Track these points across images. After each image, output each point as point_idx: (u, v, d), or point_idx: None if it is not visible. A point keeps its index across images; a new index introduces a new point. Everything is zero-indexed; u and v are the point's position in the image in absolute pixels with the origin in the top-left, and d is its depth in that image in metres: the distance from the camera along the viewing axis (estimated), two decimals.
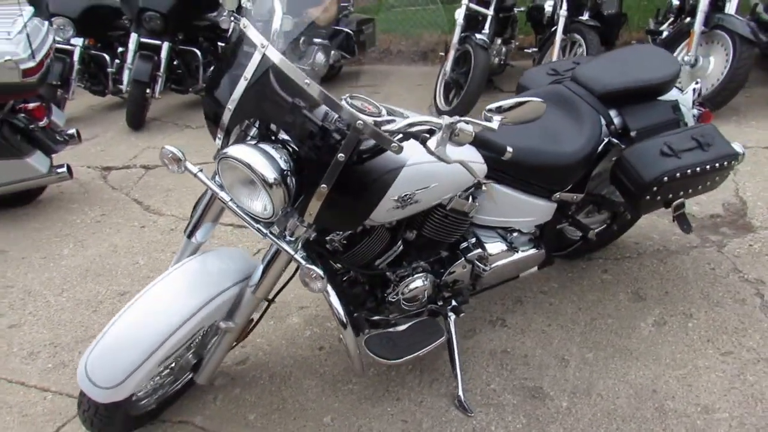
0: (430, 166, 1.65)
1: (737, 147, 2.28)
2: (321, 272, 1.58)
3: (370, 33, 6.09)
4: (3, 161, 3.36)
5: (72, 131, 3.83)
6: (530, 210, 2.09)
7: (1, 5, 3.67)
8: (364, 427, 1.90)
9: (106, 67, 5.51)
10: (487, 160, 1.95)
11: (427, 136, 1.53)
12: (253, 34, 1.57)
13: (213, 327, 1.83)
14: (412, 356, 1.91)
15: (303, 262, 1.58)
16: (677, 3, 4.41)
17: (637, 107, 2.09)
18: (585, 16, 4.24)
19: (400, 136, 1.56)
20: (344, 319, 1.70)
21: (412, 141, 1.49)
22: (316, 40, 5.53)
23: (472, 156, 1.87)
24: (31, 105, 3.58)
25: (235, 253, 1.84)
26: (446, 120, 1.47)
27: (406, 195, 1.66)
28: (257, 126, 1.61)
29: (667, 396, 1.90)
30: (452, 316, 2.07)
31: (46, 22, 3.70)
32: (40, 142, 3.56)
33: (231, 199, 1.60)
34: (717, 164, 2.00)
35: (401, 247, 1.95)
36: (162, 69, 5.19)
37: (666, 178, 1.93)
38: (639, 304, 2.32)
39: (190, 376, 1.99)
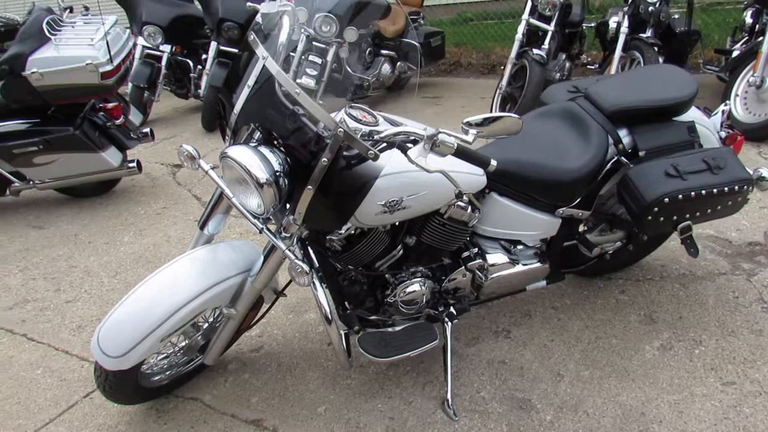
0: (419, 175, 1.73)
1: (765, 172, 2.21)
2: (307, 268, 1.71)
3: (439, 46, 6.19)
4: (81, 153, 3.74)
5: (146, 130, 4.19)
6: (533, 224, 2.12)
7: (89, 15, 4.08)
8: (352, 420, 2.00)
9: (190, 72, 5.95)
10: (489, 173, 2.01)
11: (410, 145, 1.63)
12: (257, 46, 1.72)
13: (221, 312, 2.00)
14: (400, 356, 2.00)
15: (292, 257, 1.72)
16: (750, 21, 4.21)
17: (649, 127, 2.08)
18: (647, 33, 4.14)
19: (384, 144, 1.67)
20: (329, 315, 1.82)
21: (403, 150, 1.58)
22: (384, 52, 5.71)
23: (471, 167, 1.94)
24: (110, 105, 3.96)
25: (246, 246, 2.01)
26: (428, 131, 1.56)
27: (393, 201, 1.75)
28: (260, 130, 1.76)
29: (654, 420, 1.87)
30: (449, 322, 2.14)
31: (128, 31, 4.07)
32: (115, 139, 3.93)
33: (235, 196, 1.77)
34: (726, 188, 1.95)
35: (401, 252, 2.04)
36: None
37: (667, 200, 1.91)
38: (649, 327, 2.28)
39: (201, 359, 2.17)
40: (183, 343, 2.07)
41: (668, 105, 2.06)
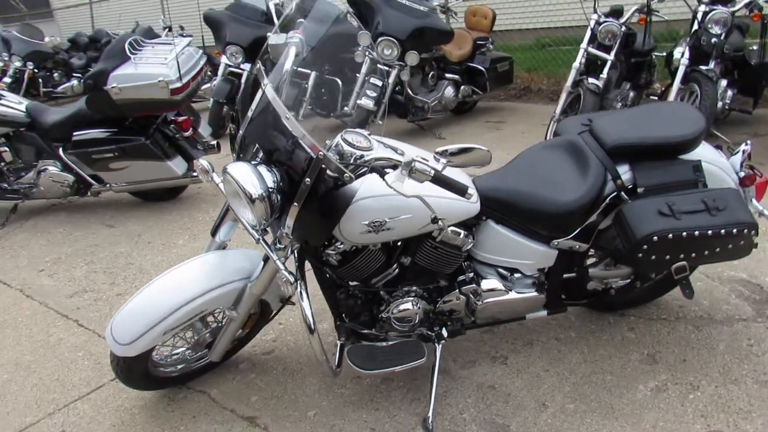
0: (401, 198, 1.83)
1: None
2: (292, 278, 1.85)
3: (506, 71, 6.22)
4: (150, 162, 4.12)
5: (213, 142, 4.55)
6: (529, 253, 2.16)
7: (167, 37, 4.49)
8: (336, 427, 2.12)
9: None
10: (485, 201, 2.09)
11: (389, 170, 1.74)
12: (261, 74, 1.90)
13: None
14: (385, 370, 2.10)
15: (280, 267, 1.87)
16: None
17: (651, 164, 2.07)
18: (710, 65, 4.00)
19: (365, 169, 1.80)
20: (311, 325, 1.95)
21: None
22: (448, 75, 5.83)
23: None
24: (181, 118, 4.33)
25: (254, 255, 2.19)
26: (406, 158, 1.67)
27: (377, 222, 1.87)
28: (262, 149, 1.94)
29: None
30: (439, 344, 2.21)
31: (200, 51, 4.44)
32: (182, 149, 4.30)
33: None
34: (723, 231, 1.91)
35: (397, 271, 2.14)
36: (307, 95, 5.81)
37: (656, 238, 1.90)
38: (648, 367, 2.24)
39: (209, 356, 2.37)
40: (192, 339, 2.26)
41: (671, 143, 2.05)
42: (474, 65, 5.93)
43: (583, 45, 4.51)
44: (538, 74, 6.94)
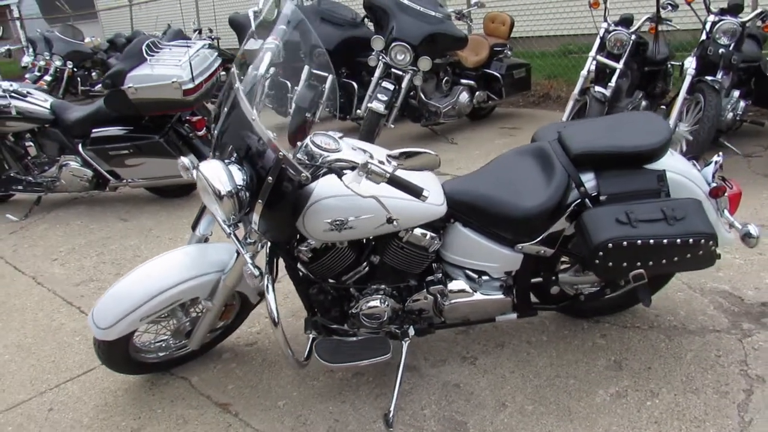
0: (361, 198, 1.90)
1: (753, 229, 2.15)
2: (257, 272, 1.95)
3: (523, 77, 6.24)
4: (163, 159, 4.29)
5: None
6: (494, 256, 2.22)
7: (197, 39, 4.66)
8: (302, 417, 2.21)
9: (353, 95, 6.43)
10: (452, 204, 2.16)
11: (346, 172, 1.82)
12: (234, 78, 2.01)
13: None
14: (349, 365, 2.19)
15: (247, 260, 1.98)
16: None
17: (615, 173, 2.10)
18: (717, 76, 3.95)
19: (325, 169, 1.89)
20: (275, 318, 2.04)
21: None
22: (463, 81, 5.87)
23: (435, 197, 2.10)
24: (195, 118, 4.50)
25: (232, 248, 2.29)
26: (362, 160, 1.76)
27: (338, 221, 1.96)
28: (234, 148, 2.05)
29: None
30: (406, 341, 2.28)
31: (216, 53, 4.61)
32: (195, 148, 4.46)
33: None
34: (679, 240, 1.93)
35: (367, 269, 2.22)
36: (323, 98, 5.94)
37: (611, 245, 1.93)
38: (612, 373, 2.26)
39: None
40: (171, 326, 2.38)
41: (634, 152, 2.08)
42: (490, 71, 5.96)
43: (592, 53, 4.52)
44: (558, 81, 6.92)
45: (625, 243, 1.93)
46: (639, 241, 1.93)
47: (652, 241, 1.93)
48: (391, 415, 2.14)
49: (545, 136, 2.39)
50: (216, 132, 2.11)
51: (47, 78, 9.08)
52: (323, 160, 1.86)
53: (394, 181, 1.77)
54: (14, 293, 3.39)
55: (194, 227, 2.37)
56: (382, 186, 1.78)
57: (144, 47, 4.16)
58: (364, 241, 2.19)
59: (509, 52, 6.25)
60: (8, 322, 3.07)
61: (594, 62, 4.54)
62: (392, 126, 5.56)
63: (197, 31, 8.24)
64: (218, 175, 1.92)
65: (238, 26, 6.61)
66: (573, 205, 2.13)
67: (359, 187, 1.78)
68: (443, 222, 2.19)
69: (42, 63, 9.31)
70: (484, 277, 2.28)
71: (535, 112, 6.73)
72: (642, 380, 2.21)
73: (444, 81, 5.78)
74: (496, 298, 2.26)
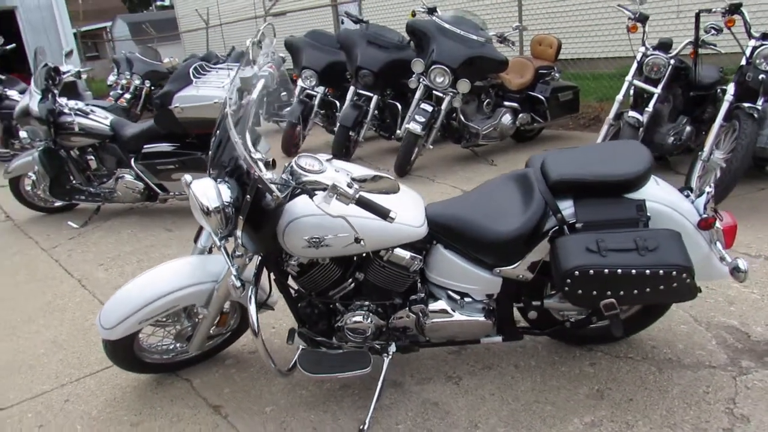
0: (336, 218, 2.02)
1: (741, 264, 2.10)
2: (238, 284, 2.10)
3: (569, 100, 6.17)
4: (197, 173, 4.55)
5: (270, 159, 4.93)
6: (473, 279, 2.27)
7: (231, 65, 4.95)
8: (284, 423, 2.32)
9: (336, 111, 6.70)
10: (434, 226, 2.23)
11: (318, 193, 1.95)
12: (226, 102, 2.18)
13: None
14: (328, 376, 2.30)
15: (232, 271, 2.13)
16: None
17: (593, 201, 2.11)
18: (758, 103, 3.79)
19: (299, 190, 2.02)
20: (255, 328, 2.18)
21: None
22: (506, 103, 5.89)
23: (414, 219, 2.19)
24: None
25: None
26: (332, 182, 1.88)
27: (315, 238, 2.08)
28: (226, 168, 2.22)
29: None
30: (387, 357, 2.35)
31: None
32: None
33: None
34: (648, 271, 1.91)
35: (352, 285, 2.33)
36: (368, 117, 6.12)
37: (578, 273, 1.95)
38: (592, 402, 2.24)
39: (206, 350, 2.68)
40: (175, 331, 2.56)
41: (611, 180, 2.08)
42: (534, 94, 5.95)
43: (628, 77, 4.45)
44: (609, 104, 6.75)
45: (591, 271, 1.94)
46: (606, 271, 1.93)
47: (619, 270, 1.93)
48: (365, 427, 2.22)
49: (535, 162, 2.42)
50: (211, 152, 2.29)
51: (127, 96, 9.78)
52: (297, 181, 1.99)
53: (362, 203, 1.88)
54: (60, 294, 3.72)
55: (196, 240, 2.55)
56: (352, 207, 1.89)
57: (191, 70, 4.47)
58: (354, 258, 2.29)
59: (557, 75, 6.20)
60: (50, 320, 3.37)
61: (633, 87, 4.45)
62: (431, 147, 5.65)
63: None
64: (207, 192, 2.09)
65: (293, 49, 6.91)
66: (551, 231, 2.15)
67: (329, 207, 1.90)
68: (425, 243, 2.27)
69: (123, 82, 10.05)
70: (467, 299, 2.33)
71: (584, 135, 6.62)
72: (620, 411, 2.18)
73: (486, 103, 5.82)
74: (476, 320, 2.30)
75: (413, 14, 5.72)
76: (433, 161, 6.04)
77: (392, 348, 2.36)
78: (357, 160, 6.44)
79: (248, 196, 2.02)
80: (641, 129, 4.27)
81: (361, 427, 2.22)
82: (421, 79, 5.43)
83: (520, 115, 5.91)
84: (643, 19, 4.35)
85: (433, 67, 5.28)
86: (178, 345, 2.64)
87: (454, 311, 2.30)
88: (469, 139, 5.75)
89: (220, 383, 2.61)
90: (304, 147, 7.14)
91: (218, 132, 2.27)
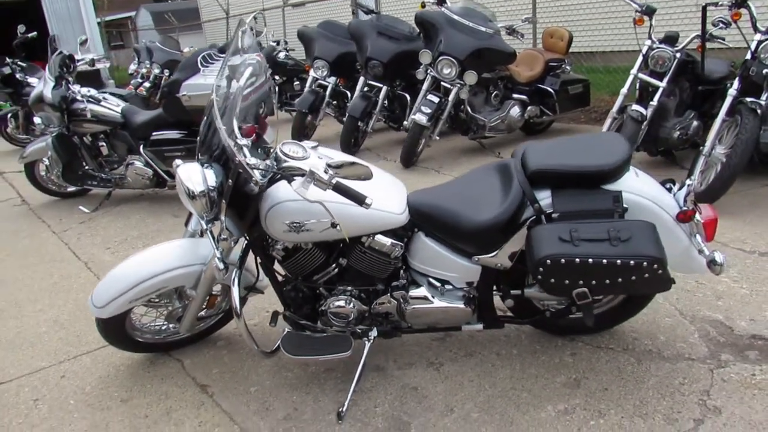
0: (314, 204, 2.06)
1: (718, 257, 2.11)
2: (221, 266, 2.17)
3: (579, 93, 6.14)
4: None
5: (272, 147, 5.01)
6: (453, 266, 2.30)
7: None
8: (267, 402, 2.39)
9: (348, 102, 6.75)
10: (414, 214, 2.27)
11: (296, 178, 2.00)
12: (213, 89, 2.24)
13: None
14: (308, 358, 2.37)
15: (216, 254, 2.20)
16: None
17: (570, 191, 2.13)
18: (762, 98, 3.74)
19: (279, 175, 2.07)
20: (237, 310, 2.24)
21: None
22: (515, 95, 5.88)
23: (395, 206, 2.24)
24: (245, 125, 4.82)
25: None
26: (309, 168, 1.93)
27: (295, 223, 2.13)
28: (213, 153, 2.28)
29: None
30: (368, 342, 2.40)
31: (266, 64, 4.91)
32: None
33: None
34: (619, 261, 1.93)
35: (336, 270, 2.38)
36: (377, 108, 6.16)
37: (549, 262, 1.97)
38: (567, 390, 2.27)
39: (198, 331, 2.76)
40: (164, 311, 2.64)
41: (588, 171, 2.10)
42: (543, 86, 5.92)
43: (633, 71, 4.41)
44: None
45: (563, 260, 1.96)
46: (577, 260, 1.95)
47: (590, 260, 1.95)
48: (343, 409, 2.28)
49: (518, 153, 2.44)
50: (199, 138, 2.35)
51: (147, 84, 9.94)
52: (278, 166, 2.04)
53: (339, 189, 1.93)
54: (66, 275, 3.83)
55: (187, 223, 2.62)
56: (330, 193, 1.94)
57: (200, 59, 4.56)
58: (340, 244, 2.34)
59: (568, 68, 6.16)
60: (55, 300, 3.49)
61: (636, 80, 4.42)
62: (437, 138, 5.67)
63: (275, 42, 8.73)
64: (192, 176, 2.16)
65: (306, 39, 6.97)
66: (528, 221, 2.17)
67: (307, 193, 1.95)
68: (407, 231, 2.31)
69: (144, 70, 10.21)
70: (447, 286, 2.36)
71: (595, 129, 6.56)
72: (594, 400, 2.20)
73: (494, 95, 5.81)
74: (456, 307, 2.33)
75: (423, 5, 5.73)
76: (440, 153, 6.05)
77: (373, 333, 2.40)
78: (365, 151, 6.49)
79: (230, 180, 2.08)
80: (644, 123, 4.23)
81: (340, 409, 2.28)
82: (428, 71, 5.44)
83: (529, 108, 5.89)
84: (649, 12, 4.31)
85: (440, 58, 5.29)
86: (170, 325, 2.72)
87: (434, 298, 2.34)
88: (476, 131, 5.75)
89: (209, 364, 2.69)
90: (315, 137, 7.21)
91: (206, 118, 2.33)
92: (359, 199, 1.93)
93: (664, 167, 4.81)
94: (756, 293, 2.79)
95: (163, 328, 2.73)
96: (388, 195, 2.27)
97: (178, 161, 2.48)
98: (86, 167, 5.23)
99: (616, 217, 2.08)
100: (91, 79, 11.81)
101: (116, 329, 2.53)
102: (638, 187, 2.16)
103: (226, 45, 9.04)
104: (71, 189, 5.54)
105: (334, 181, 1.90)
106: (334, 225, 2.09)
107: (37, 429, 2.35)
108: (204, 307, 2.63)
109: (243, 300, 2.71)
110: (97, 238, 4.50)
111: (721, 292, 2.84)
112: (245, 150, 2.11)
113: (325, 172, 1.90)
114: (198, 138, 2.39)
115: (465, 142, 6.21)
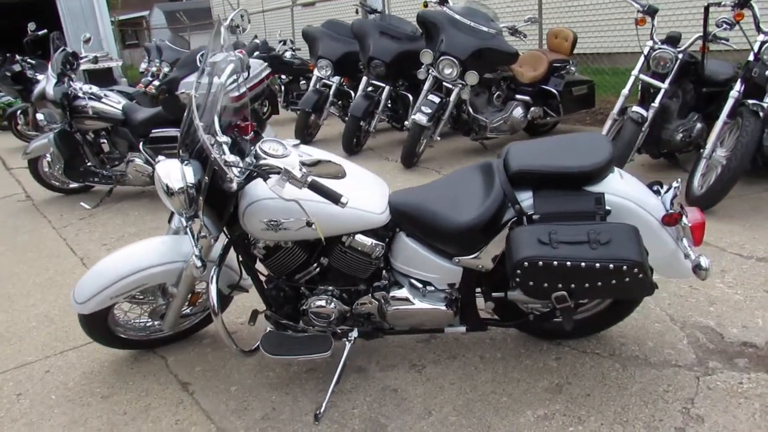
0: (291, 203, 2.04)
1: (703, 261, 2.06)
2: (199, 263, 2.16)
3: (584, 95, 6.06)
4: None
5: None
6: (433, 267, 2.27)
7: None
8: (246, 402, 2.38)
9: (351, 101, 6.73)
10: (395, 214, 2.25)
11: (272, 175, 1.98)
12: (192, 86, 2.23)
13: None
14: (287, 357, 2.35)
15: (195, 251, 2.19)
16: None
17: (552, 192, 2.08)
18: (764, 100, 3.67)
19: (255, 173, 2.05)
20: (215, 309, 2.23)
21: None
22: (518, 96, 5.83)
23: (375, 206, 2.21)
24: (244, 123, 4.82)
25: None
26: (283, 166, 1.91)
27: (273, 221, 2.12)
28: (192, 150, 2.27)
29: None
30: (349, 343, 2.37)
31: (265, 64, 4.92)
32: (242, 151, 4.78)
33: None
34: (598, 265, 1.88)
35: (318, 270, 2.36)
36: (380, 108, 6.13)
37: (527, 264, 1.93)
38: (548, 395, 2.23)
39: (183, 329, 2.75)
40: (149, 309, 2.63)
41: (568, 172, 2.06)
42: (547, 87, 5.86)
43: (634, 72, 4.35)
44: (630, 99, 6.62)
45: (540, 263, 1.92)
46: (555, 263, 1.91)
47: (569, 263, 1.91)
48: (321, 410, 2.25)
49: (503, 153, 2.40)
50: (180, 135, 2.34)
51: (156, 83, 10.00)
52: (254, 164, 2.02)
53: (314, 187, 1.90)
54: (61, 271, 3.85)
55: (170, 220, 2.61)
56: (306, 191, 1.92)
57: (198, 56, 4.56)
58: (323, 243, 2.31)
59: (573, 68, 6.09)
60: (47, 295, 3.50)
61: (638, 81, 4.36)
62: (438, 138, 5.63)
63: (281, 42, 8.74)
64: (171, 173, 2.15)
65: (310, 38, 6.96)
66: (510, 222, 2.14)
67: (283, 191, 1.93)
68: (388, 231, 2.28)
69: (154, 69, 10.28)
70: (429, 288, 2.33)
71: (600, 130, 6.48)
72: (575, 406, 2.16)
73: (496, 96, 5.76)
74: (437, 308, 2.30)
75: (425, 5, 5.69)
76: (442, 153, 6.02)
77: (354, 334, 2.38)
78: (368, 151, 6.47)
79: (206, 177, 2.07)
80: (645, 125, 4.17)
81: (318, 410, 2.25)
82: (430, 70, 5.41)
83: (532, 109, 5.83)
84: (651, 11, 4.24)
85: (441, 58, 5.25)
86: (154, 323, 2.71)
87: (415, 299, 2.31)
88: (478, 131, 5.70)
89: (193, 361, 2.68)
90: (319, 136, 7.22)
91: (187, 115, 2.32)
92: (334, 198, 1.91)
93: (667, 170, 4.74)
94: (750, 299, 2.73)
95: (147, 325, 2.73)
96: (368, 194, 2.24)
97: (160, 157, 2.48)
98: (88, 164, 5.25)
99: (598, 220, 2.03)
100: (104, 77, 11.93)
101: (99, 325, 2.53)
102: (622, 189, 2.11)
103: (237, 43, 8.99)
104: (74, 185, 5.57)
105: (309, 180, 1.88)
106: (309, 224, 2.06)
107: (18, 423, 2.35)
108: (186, 304, 2.61)
109: (228, 298, 2.72)
110: (95, 234, 4.52)
111: (714, 297, 2.78)
112: (225, 147, 2.09)
113: (300, 170, 1.88)
114: (179, 135, 2.38)
115: (467, 143, 6.17)
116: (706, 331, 2.54)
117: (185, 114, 2.36)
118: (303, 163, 1.88)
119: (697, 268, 2.09)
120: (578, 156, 2.10)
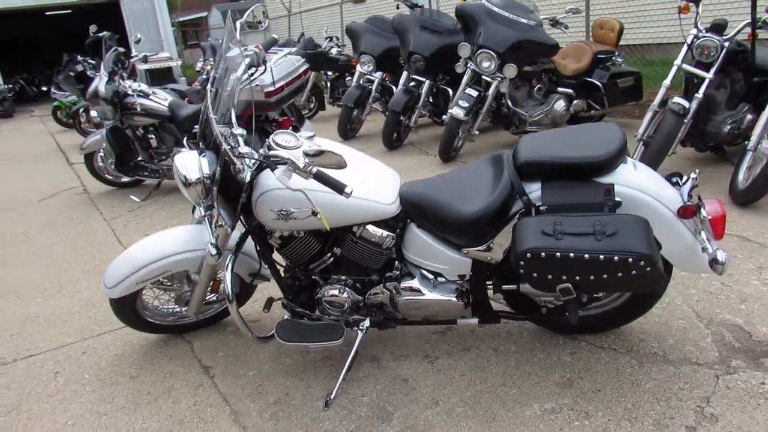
0: (299, 193, 2.09)
1: (720, 255, 1.99)
2: (214, 251, 2.25)
3: (630, 86, 5.88)
4: None
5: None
6: (443, 259, 2.28)
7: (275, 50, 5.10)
8: (261, 386, 2.45)
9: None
10: (406, 205, 2.27)
11: (279, 166, 2.04)
12: (209, 80, 2.31)
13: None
14: (300, 344, 2.40)
15: (211, 240, 2.28)
16: None
17: (560, 183, 2.05)
18: None
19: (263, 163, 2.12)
20: (230, 296, 2.30)
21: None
22: (560, 89, 5.72)
23: (385, 197, 2.24)
24: (282, 118, 4.94)
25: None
26: (291, 157, 1.97)
27: (283, 211, 2.17)
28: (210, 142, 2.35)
29: None
30: (361, 332, 2.41)
31: (302, 59, 5.00)
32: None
33: None
34: (602, 257, 1.84)
35: (331, 259, 2.41)
36: (420, 102, 6.14)
37: (530, 255, 1.91)
38: (558, 389, 2.20)
39: (209, 315, 2.87)
40: (175, 295, 2.75)
41: (578, 163, 2.02)
42: (590, 79, 5.71)
43: (677, 62, 4.18)
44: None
45: (543, 254, 1.90)
46: (558, 254, 1.88)
47: (572, 254, 1.88)
48: (331, 397, 2.30)
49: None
50: (198, 127, 2.43)
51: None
52: (264, 155, 2.08)
53: (319, 177, 1.95)
54: (107, 259, 4.05)
55: (194, 210, 2.71)
56: (312, 182, 1.96)
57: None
58: (339, 233, 2.35)
59: (619, 60, 5.91)
60: (92, 281, 3.70)
61: (681, 72, 4.19)
62: (477, 132, 5.59)
63: (328, 39, 8.85)
64: (188, 164, 2.24)
65: (353, 35, 7.03)
66: (518, 213, 2.12)
67: (290, 182, 1.98)
68: (399, 221, 2.30)
69: (209, 68, 10.60)
70: (440, 279, 2.34)
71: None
72: (584, 401, 2.13)
73: (537, 89, 5.66)
74: (448, 299, 2.31)
75: None
76: (482, 147, 5.97)
77: (366, 323, 2.41)
78: (408, 146, 6.49)
79: (218, 168, 2.14)
80: (687, 117, 4.01)
81: (328, 397, 2.30)
82: (468, 64, 5.37)
83: (575, 102, 5.71)
84: None
85: (479, 51, 5.21)
86: (180, 309, 2.83)
87: (426, 290, 2.32)
88: (518, 125, 5.63)
89: (216, 347, 2.78)
90: (362, 131, 7.29)
91: (203, 108, 2.40)
92: (339, 188, 1.94)
93: (713, 163, 4.55)
94: None
95: (174, 310, 2.84)
96: (377, 185, 2.27)
97: (177, 149, 2.58)
98: (137, 158, 5.49)
99: (607, 211, 1.99)
100: (165, 76, 12.38)
101: (127, 309, 2.66)
102: (634, 180, 2.06)
103: (287, 41, 9.19)
104: (125, 179, 5.84)
105: (314, 170, 1.92)
106: (314, 213, 2.11)
107: (52, 399, 2.51)
108: (209, 291, 2.71)
109: (251, 287, 2.81)
110: (142, 226, 4.73)
111: (747, 294, 2.67)
112: (240, 139, 2.17)
113: (305, 161, 1.92)
114: (197, 127, 2.47)
115: (508, 137, 6.10)
116: (734, 329, 2.44)
117: (202, 106, 2.44)
118: (306, 154, 1.93)
119: (713, 262, 2.01)
120: (588, 146, 2.06)
